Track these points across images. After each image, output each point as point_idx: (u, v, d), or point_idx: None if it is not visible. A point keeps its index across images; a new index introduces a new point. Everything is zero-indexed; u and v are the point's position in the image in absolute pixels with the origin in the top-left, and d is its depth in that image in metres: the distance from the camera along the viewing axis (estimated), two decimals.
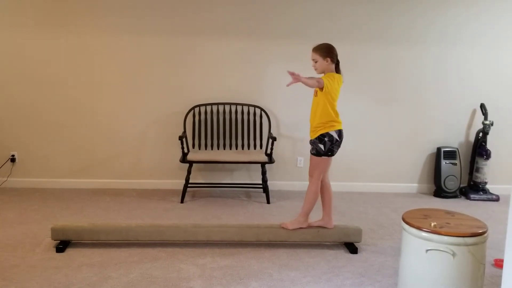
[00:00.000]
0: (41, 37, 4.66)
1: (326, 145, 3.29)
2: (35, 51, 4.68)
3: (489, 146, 4.97)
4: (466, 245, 2.37)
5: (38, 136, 4.82)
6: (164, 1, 4.69)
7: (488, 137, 4.96)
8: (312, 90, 3.41)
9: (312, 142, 3.36)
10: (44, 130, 4.82)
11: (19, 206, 4.25)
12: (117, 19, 4.69)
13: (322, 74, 3.34)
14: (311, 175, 3.39)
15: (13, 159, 4.83)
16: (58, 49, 4.70)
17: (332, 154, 3.35)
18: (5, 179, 4.84)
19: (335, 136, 3.30)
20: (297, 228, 3.41)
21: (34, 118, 4.79)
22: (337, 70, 3.39)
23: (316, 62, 3.29)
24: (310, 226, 3.47)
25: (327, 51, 3.29)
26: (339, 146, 3.36)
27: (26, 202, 4.38)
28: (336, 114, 3.34)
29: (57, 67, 4.72)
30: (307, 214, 3.43)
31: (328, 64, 3.29)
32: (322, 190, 3.48)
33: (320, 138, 3.29)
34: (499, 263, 3.23)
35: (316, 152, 3.33)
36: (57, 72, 4.73)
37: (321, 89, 3.22)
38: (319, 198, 3.47)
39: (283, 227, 3.41)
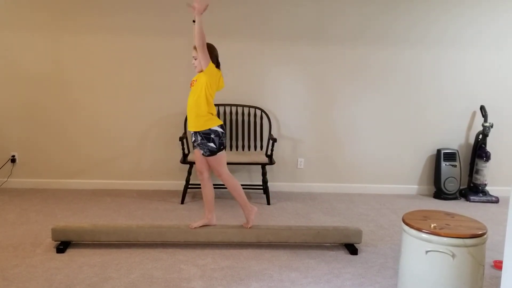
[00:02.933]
0: (42, 38, 4.67)
1: (216, 142, 3.30)
2: (36, 52, 4.69)
3: (489, 148, 4.97)
4: (466, 246, 2.38)
5: (38, 136, 4.83)
6: (165, 1, 4.70)
7: (488, 139, 4.97)
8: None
9: (200, 144, 3.33)
10: (45, 130, 4.83)
11: (20, 206, 4.26)
12: (118, 20, 4.70)
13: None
14: (219, 175, 3.39)
15: (13, 160, 4.84)
16: (59, 50, 4.71)
17: (225, 147, 3.38)
18: (6, 179, 4.84)
19: (220, 130, 3.32)
20: (251, 218, 3.45)
21: (35, 118, 4.80)
22: None
23: (196, 59, 3.29)
24: (195, 228, 3.41)
25: (208, 51, 3.27)
26: (225, 137, 3.39)
27: (26, 202, 4.38)
28: (214, 107, 3.36)
29: (57, 68, 4.73)
30: (246, 205, 3.46)
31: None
32: (203, 187, 3.49)
33: (207, 137, 3.29)
34: (498, 265, 3.24)
35: (210, 153, 3.32)
36: (57, 72, 4.74)
37: (203, 72, 3.26)
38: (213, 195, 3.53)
39: (247, 227, 3.44)
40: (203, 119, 3.29)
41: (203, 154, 3.36)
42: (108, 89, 4.82)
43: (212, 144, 3.29)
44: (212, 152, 3.31)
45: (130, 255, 3.24)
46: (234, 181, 3.45)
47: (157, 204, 4.44)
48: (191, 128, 3.35)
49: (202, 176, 3.48)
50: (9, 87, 4.73)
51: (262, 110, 4.87)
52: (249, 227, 3.45)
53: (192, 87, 3.35)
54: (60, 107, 4.80)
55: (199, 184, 4.74)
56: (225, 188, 4.85)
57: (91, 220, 3.95)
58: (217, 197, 4.75)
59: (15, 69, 4.71)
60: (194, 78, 3.37)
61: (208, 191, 3.48)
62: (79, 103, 4.81)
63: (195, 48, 3.26)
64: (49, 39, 4.68)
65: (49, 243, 3.40)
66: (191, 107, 3.32)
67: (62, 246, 3.28)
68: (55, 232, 3.31)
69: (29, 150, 4.85)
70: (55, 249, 3.28)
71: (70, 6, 4.64)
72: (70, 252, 3.27)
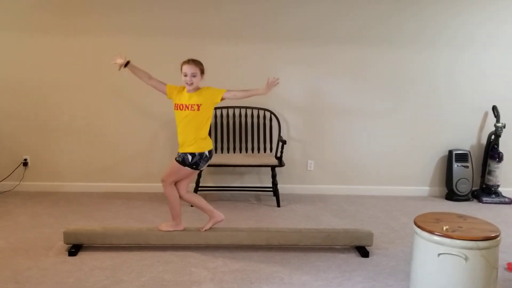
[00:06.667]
0: (53, 42, 4.71)
1: (194, 158, 3.26)
2: (47, 56, 4.73)
3: (501, 148, 4.92)
4: (479, 249, 2.36)
5: (50, 140, 4.87)
6: (172, 3, 4.71)
7: (501, 139, 4.92)
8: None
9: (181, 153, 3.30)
10: (56, 134, 4.86)
11: (32, 209, 4.30)
12: (125, 21, 4.71)
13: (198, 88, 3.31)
14: (164, 180, 3.33)
15: (25, 163, 4.88)
16: (69, 54, 4.74)
17: (197, 168, 3.32)
18: (18, 183, 4.89)
19: (206, 153, 3.30)
20: (173, 230, 3.41)
21: (46, 122, 4.84)
22: None
23: (194, 76, 3.22)
24: (205, 230, 3.41)
25: (203, 67, 3.27)
26: (206, 162, 3.34)
27: (38, 205, 4.42)
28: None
29: (68, 72, 4.77)
30: (177, 217, 3.41)
31: (201, 80, 3.28)
32: (190, 203, 3.53)
33: (192, 153, 3.26)
34: None
35: (181, 161, 3.27)
36: (67, 76, 4.77)
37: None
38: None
39: (159, 229, 3.42)
40: (202, 142, 3.28)
41: (176, 158, 3.31)
42: (117, 93, 4.84)
43: (190, 157, 3.25)
44: (183, 162, 3.27)
45: (141, 258, 3.25)
46: (173, 192, 3.36)
47: (167, 207, 4.43)
48: (185, 150, 3.28)
49: (180, 193, 3.41)
50: (21, 91, 4.77)
51: (271, 112, 4.86)
52: (161, 227, 3.42)
53: (191, 111, 3.24)
54: (71, 110, 4.83)
55: (209, 187, 4.80)
56: (234, 190, 4.89)
57: (102, 223, 3.97)
58: (227, 199, 4.76)
59: (26, 74, 4.75)
60: (196, 102, 3.23)
61: (195, 202, 3.47)
62: (89, 107, 4.84)
63: (192, 63, 3.22)
64: (59, 43, 4.71)
65: (61, 246, 3.42)
66: (187, 131, 3.28)
67: (74, 249, 3.30)
68: (66, 235, 3.33)
69: (41, 153, 4.89)
70: (67, 252, 3.29)
71: (75, 9, 4.66)
72: (81, 255, 3.29)
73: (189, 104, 3.25)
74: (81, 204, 4.51)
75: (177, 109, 3.31)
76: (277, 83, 3.29)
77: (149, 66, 4.77)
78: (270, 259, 3.29)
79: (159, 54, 4.77)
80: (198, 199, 3.49)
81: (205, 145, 3.30)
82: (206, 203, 3.48)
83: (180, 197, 3.43)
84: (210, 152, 3.33)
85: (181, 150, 3.31)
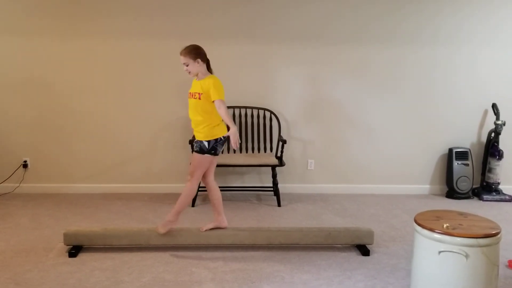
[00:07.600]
0: (52, 43, 4.71)
1: (210, 143, 3.29)
2: (46, 57, 4.73)
3: (501, 146, 4.92)
4: (480, 246, 2.35)
5: (50, 141, 4.87)
6: (173, 4, 4.71)
7: (500, 137, 4.92)
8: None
9: (197, 140, 3.34)
10: (56, 135, 4.86)
11: (32, 211, 4.29)
12: (126, 24, 4.72)
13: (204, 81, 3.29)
14: (191, 174, 3.36)
15: (25, 165, 4.88)
16: (68, 55, 4.74)
17: (216, 153, 3.35)
18: (18, 184, 4.89)
19: (221, 137, 3.34)
20: (169, 230, 3.38)
21: (46, 124, 4.84)
22: (209, 69, 3.38)
23: (187, 65, 3.25)
24: (205, 230, 3.41)
25: (196, 53, 3.26)
26: (222, 145, 3.37)
27: (38, 207, 4.42)
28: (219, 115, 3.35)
29: (67, 73, 4.77)
30: (178, 214, 3.40)
31: (199, 65, 3.28)
32: (208, 192, 3.50)
33: (208, 140, 3.30)
34: None
35: (199, 150, 3.31)
36: (68, 78, 4.78)
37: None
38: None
39: (158, 232, 3.37)
40: (214, 129, 3.31)
41: (194, 148, 3.36)
42: (117, 94, 4.84)
43: (206, 143, 3.29)
44: (201, 150, 3.31)
45: (142, 259, 3.25)
46: (193, 189, 3.40)
47: (168, 207, 4.44)
48: (200, 137, 3.33)
49: (205, 180, 3.48)
50: (20, 93, 4.78)
51: (271, 112, 4.86)
52: (158, 230, 3.37)
53: (195, 99, 3.28)
54: (71, 112, 4.83)
55: None
56: (235, 190, 4.88)
57: (103, 224, 3.97)
58: (228, 199, 4.76)
59: (27, 75, 4.75)
60: (197, 90, 3.27)
61: (213, 194, 3.48)
62: (88, 108, 4.84)
63: (182, 54, 3.24)
64: (60, 44, 4.71)
65: (61, 247, 3.42)
66: (194, 117, 3.33)
67: (74, 251, 3.29)
68: (67, 237, 3.32)
69: (41, 155, 4.89)
70: (67, 254, 3.29)
71: (76, 11, 4.67)
72: (82, 256, 3.29)
73: (193, 92, 3.32)
74: (81, 205, 4.50)
75: (188, 97, 3.38)
76: (237, 145, 3.27)
77: (151, 68, 4.81)
78: (271, 258, 3.29)
79: (161, 55, 4.78)
80: (218, 194, 3.49)
81: (219, 131, 3.32)
82: (221, 203, 3.50)
83: (207, 183, 3.47)
84: (224, 136, 3.35)
85: (196, 135, 3.37)
